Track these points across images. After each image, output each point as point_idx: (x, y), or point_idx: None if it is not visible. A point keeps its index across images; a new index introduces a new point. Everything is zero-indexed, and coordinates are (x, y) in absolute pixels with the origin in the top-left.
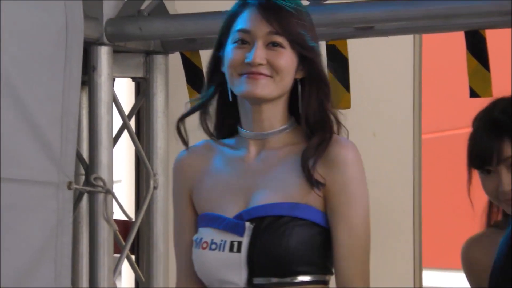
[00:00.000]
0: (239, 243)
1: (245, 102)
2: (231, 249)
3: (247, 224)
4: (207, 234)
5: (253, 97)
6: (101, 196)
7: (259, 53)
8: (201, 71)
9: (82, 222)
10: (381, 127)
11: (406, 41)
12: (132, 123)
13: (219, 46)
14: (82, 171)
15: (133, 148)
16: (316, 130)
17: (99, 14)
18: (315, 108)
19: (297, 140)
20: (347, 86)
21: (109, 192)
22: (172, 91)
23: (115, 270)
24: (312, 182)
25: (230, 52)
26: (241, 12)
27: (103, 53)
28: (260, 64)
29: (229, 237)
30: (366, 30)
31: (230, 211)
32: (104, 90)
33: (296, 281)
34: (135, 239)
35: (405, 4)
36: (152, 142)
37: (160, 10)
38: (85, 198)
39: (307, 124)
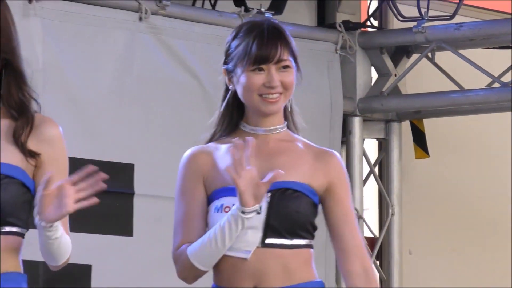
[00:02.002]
0: None
1: None
2: None
3: None
4: None
5: None
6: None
7: None
8: (424, 134)
9: None
10: None
11: None
12: (377, 169)
13: None
14: None
15: (377, 187)
16: (20, 113)
17: (353, 94)
18: (15, 95)
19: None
20: None
21: (361, 217)
22: (404, 148)
23: None
24: (26, 153)
25: None
26: None
27: (356, 122)
28: None
29: None
30: None
31: None
32: (357, 147)
33: (4, 230)
34: (379, 250)
35: None
36: (390, 182)
37: (396, 91)
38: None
39: (12, 108)
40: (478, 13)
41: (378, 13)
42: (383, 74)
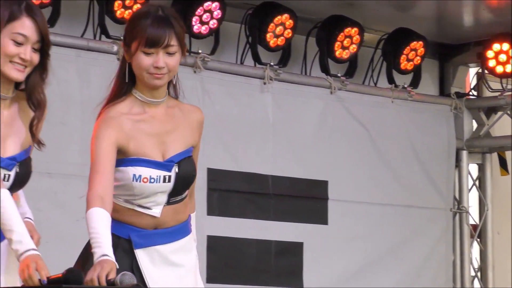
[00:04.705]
0: None
1: None
2: None
3: None
4: None
5: None
6: (464, 214)
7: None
8: (506, 160)
9: (456, 229)
10: None
11: None
12: (477, 182)
13: None
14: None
15: (477, 193)
16: (38, 107)
17: (462, 137)
18: (37, 93)
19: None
20: None
21: (467, 212)
22: (494, 169)
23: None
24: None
25: None
26: None
27: (464, 154)
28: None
29: None
30: None
31: None
32: (465, 169)
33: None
34: (479, 232)
35: None
36: (485, 190)
37: (488, 135)
38: (457, 216)
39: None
40: None
41: (476, 87)
42: (480, 124)
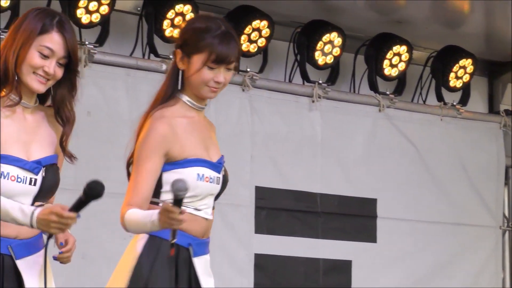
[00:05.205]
0: None
1: None
2: None
3: None
4: None
5: None
6: (508, 232)
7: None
8: None
9: (505, 247)
10: None
11: None
12: None
13: None
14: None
15: None
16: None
17: (510, 153)
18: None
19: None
20: None
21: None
22: None
23: None
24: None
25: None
26: None
27: None
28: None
29: None
30: None
31: None
32: None
33: None
34: None
35: None
36: None
37: None
38: (507, 234)
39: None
40: None
41: None
42: None
